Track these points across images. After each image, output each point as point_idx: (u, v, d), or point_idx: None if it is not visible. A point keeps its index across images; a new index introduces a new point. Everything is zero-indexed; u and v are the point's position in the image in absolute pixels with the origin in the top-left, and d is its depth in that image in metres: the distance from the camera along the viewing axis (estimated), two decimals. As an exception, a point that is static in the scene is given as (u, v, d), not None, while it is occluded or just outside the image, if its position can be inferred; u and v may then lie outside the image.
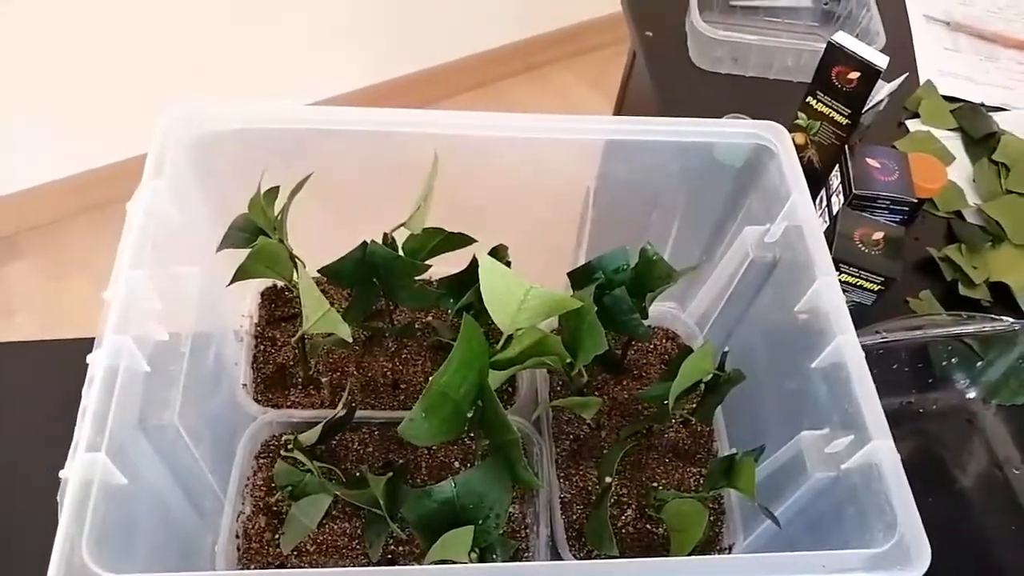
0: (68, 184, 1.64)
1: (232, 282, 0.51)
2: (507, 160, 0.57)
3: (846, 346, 0.49)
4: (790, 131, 0.64)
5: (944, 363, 0.68)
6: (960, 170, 0.88)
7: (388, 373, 0.61)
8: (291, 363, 0.61)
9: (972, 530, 0.65)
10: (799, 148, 0.79)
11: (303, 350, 0.58)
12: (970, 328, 0.64)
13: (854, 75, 0.74)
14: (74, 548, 0.37)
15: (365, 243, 0.53)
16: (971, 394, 0.70)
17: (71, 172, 1.63)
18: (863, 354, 0.48)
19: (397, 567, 0.52)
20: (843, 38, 0.74)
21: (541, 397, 0.60)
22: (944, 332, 0.64)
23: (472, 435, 0.58)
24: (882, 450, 0.45)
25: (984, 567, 0.64)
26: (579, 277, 0.56)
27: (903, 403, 0.68)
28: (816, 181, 0.80)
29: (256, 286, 0.64)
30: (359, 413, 0.57)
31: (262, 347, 0.62)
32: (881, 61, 0.72)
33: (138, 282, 0.46)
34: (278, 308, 0.64)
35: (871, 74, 0.72)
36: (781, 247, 0.56)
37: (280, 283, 0.63)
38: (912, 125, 0.91)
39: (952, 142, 0.90)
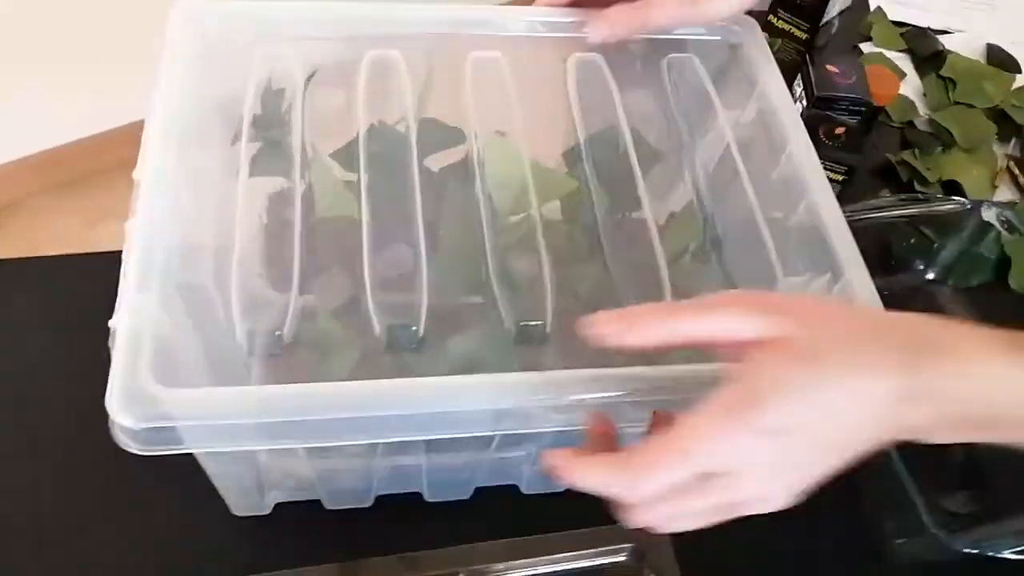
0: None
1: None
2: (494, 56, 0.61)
3: (820, 198, 0.54)
4: None
5: (904, 245, 0.74)
6: (910, 86, 0.94)
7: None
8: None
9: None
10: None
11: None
12: (924, 208, 0.70)
13: (810, -12, 0.79)
14: (134, 370, 0.40)
15: (372, 125, 0.57)
16: (930, 275, 0.76)
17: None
18: (836, 203, 0.53)
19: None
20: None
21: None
22: (900, 213, 0.69)
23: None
24: (856, 280, 0.50)
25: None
26: (573, 158, 0.60)
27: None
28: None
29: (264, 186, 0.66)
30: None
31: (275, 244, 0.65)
32: (837, -30, 0.77)
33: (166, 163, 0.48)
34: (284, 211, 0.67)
35: (827, -18, 0.78)
36: (755, 126, 0.61)
37: (287, 184, 0.66)
38: (865, 48, 0.97)
39: (902, 62, 0.96)
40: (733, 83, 0.63)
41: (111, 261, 0.45)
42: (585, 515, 0.48)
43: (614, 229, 0.55)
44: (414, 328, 0.46)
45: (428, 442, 0.49)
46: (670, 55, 0.62)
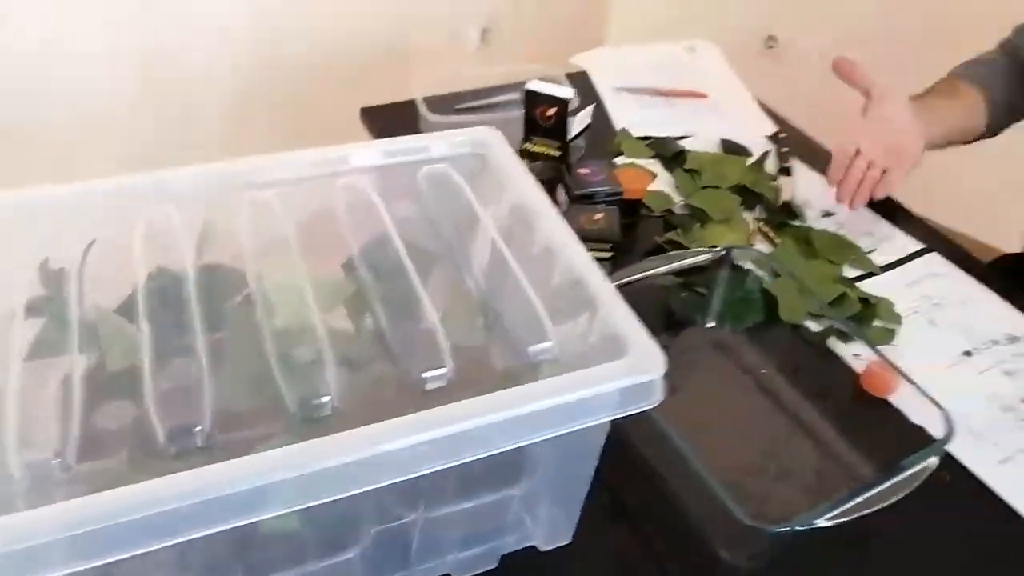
0: None
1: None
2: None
3: (572, 254, 0.61)
4: None
5: (678, 301, 0.82)
6: (663, 183, 1.07)
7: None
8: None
9: (736, 420, 0.77)
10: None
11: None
12: (684, 262, 0.79)
13: (551, 111, 0.91)
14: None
15: (151, 274, 0.60)
16: (709, 324, 0.84)
17: None
18: (587, 257, 0.60)
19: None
20: (535, 84, 0.92)
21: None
22: (666, 268, 0.78)
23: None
24: (611, 307, 0.56)
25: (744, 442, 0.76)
26: (350, 267, 0.65)
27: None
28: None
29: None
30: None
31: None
32: (567, 93, 0.90)
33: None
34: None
35: (563, 105, 0.90)
36: (511, 216, 0.69)
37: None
38: (619, 160, 1.11)
39: (654, 166, 1.10)
40: (487, 184, 0.72)
41: None
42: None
43: (396, 323, 0.60)
44: (199, 428, 0.48)
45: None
46: (427, 168, 0.70)
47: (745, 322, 0.85)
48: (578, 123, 0.95)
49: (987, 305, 0.94)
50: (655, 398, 0.53)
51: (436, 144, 0.72)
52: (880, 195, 0.98)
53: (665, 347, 0.53)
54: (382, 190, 0.68)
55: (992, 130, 1.09)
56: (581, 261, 0.61)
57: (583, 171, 0.90)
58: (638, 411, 0.53)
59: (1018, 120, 1.10)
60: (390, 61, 2.04)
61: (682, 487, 0.66)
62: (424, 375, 0.53)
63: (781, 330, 0.84)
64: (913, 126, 0.99)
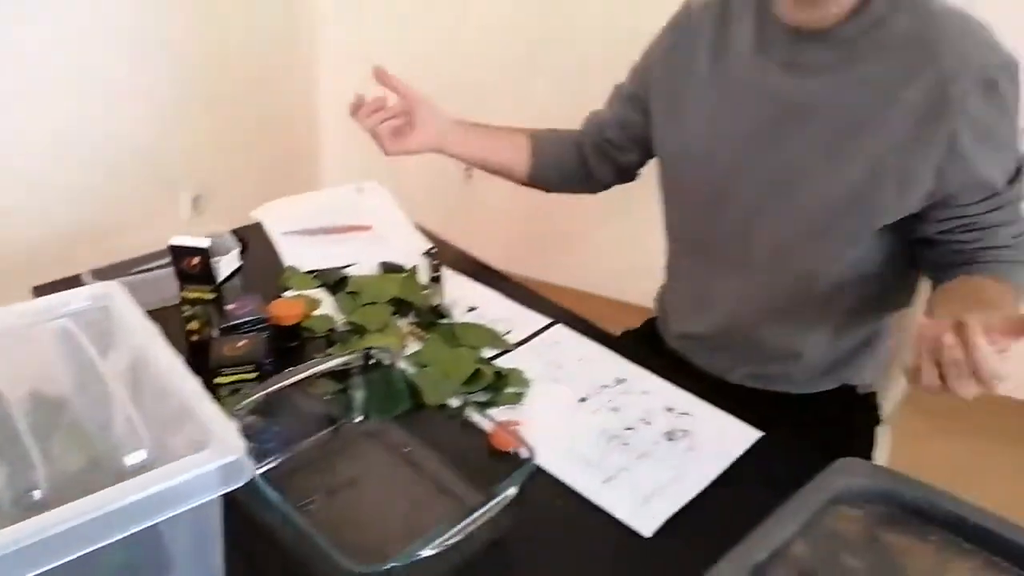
0: None
1: None
2: None
3: (181, 381, 0.70)
4: (185, 323, 0.91)
5: (325, 400, 0.94)
6: (328, 307, 1.20)
7: None
8: None
9: (382, 493, 0.88)
10: (198, 331, 1.05)
11: None
12: (321, 367, 0.91)
13: (195, 260, 1.02)
14: None
15: None
16: (357, 418, 0.96)
17: None
18: (197, 383, 0.70)
19: None
20: (177, 239, 1.02)
21: None
22: (302, 376, 0.89)
23: None
24: (203, 412, 0.66)
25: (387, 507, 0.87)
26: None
27: (318, 441, 0.92)
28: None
29: None
30: None
31: None
32: (206, 243, 1.01)
33: None
34: None
35: (204, 253, 1.01)
36: (134, 365, 0.77)
37: None
38: (288, 294, 1.23)
39: (321, 294, 1.23)
40: (109, 332, 0.80)
41: None
42: None
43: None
44: None
45: None
46: (49, 323, 0.78)
47: (394, 411, 0.98)
48: (226, 267, 1.06)
49: (601, 359, 1.13)
50: (245, 475, 0.63)
51: (63, 302, 0.80)
52: None
53: (323, 443, 0.64)
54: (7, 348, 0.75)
55: (544, 183, 1.36)
56: (189, 388, 0.70)
57: (231, 307, 1.00)
58: (234, 488, 0.62)
59: (576, 190, 1.38)
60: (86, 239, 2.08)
61: (309, 552, 0.74)
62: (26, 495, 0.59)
63: (428, 411, 0.97)
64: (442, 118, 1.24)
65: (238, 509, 0.74)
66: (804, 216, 1.07)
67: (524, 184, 1.36)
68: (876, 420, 1.35)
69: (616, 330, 1.27)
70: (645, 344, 1.36)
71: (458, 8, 2.45)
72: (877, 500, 0.77)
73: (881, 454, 1.35)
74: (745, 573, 0.69)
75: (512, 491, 0.78)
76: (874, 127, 0.98)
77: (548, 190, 1.37)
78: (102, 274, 1.17)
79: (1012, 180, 1.00)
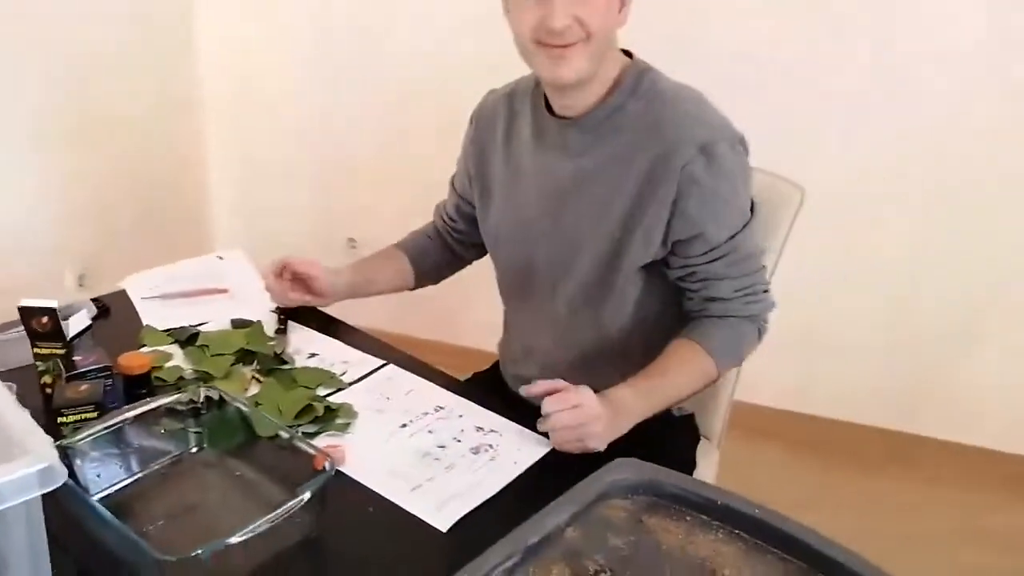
0: None
1: None
2: None
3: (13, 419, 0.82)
4: (40, 376, 1.03)
5: (163, 434, 1.05)
6: (179, 360, 1.32)
7: None
8: None
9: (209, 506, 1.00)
10: (52, 385, 1.15)
11: None
12: (151, 405, 1.03)
13: (44, 319, 1.13)
14: None
15: None
16: (193, 448, 1.08)
17: None
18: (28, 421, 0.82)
19: None
20: (26, 301, 1.14)
21: None
22: (135, 412, 1.01)
23: None
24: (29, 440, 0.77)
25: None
26: None
27: (159, 470, 1.04)
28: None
29: None
30: None
31: None
32: (52, 304, 1.13)
33: None
34: None
35: (51, 313, 1.13)
36: None
37: None
38: (145, 350, 1.34)
39: (173, 348, 1.35)
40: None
41: None
42: None
43: None
44: None
45: None
46: None
47: (230, 443, 1.10)
48: (75, 325, 1.18)
49: (426, 391, 1.28)
50: (58, 479, 0.74)
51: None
52: None
53: (163, 473, 0.75)
54: None
55: (429, 282, 1.58)
56: (18, 422, 0.82)
57: (77, 358, 1.12)
58: (51, 488, 0.74)
59: (456, 270, 1.59)
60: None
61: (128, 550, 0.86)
62: None
63: (262, 442, 1.09)
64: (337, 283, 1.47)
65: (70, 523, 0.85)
66: (586, 270, 1.28)
67: (413, 290, 1.57)
68: (695, 438, 1.53)
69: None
70: (489, 382, 1.53)
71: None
72: (643, 492, 0.91)
73: (707, 470, 1.52)
74: (518, 553, 0.83)
75: (307, 494, 0.91)
76: (621, 193, 1.21)
77: (435, 283, 1.60)
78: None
79: (735, 235, 1.21)
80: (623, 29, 1.21)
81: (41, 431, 0.78)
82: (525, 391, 1.15)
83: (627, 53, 1.26)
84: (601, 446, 1.10)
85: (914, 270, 2.30)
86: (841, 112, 2.21)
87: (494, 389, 1.48)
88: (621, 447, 1.17)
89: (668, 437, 1.43)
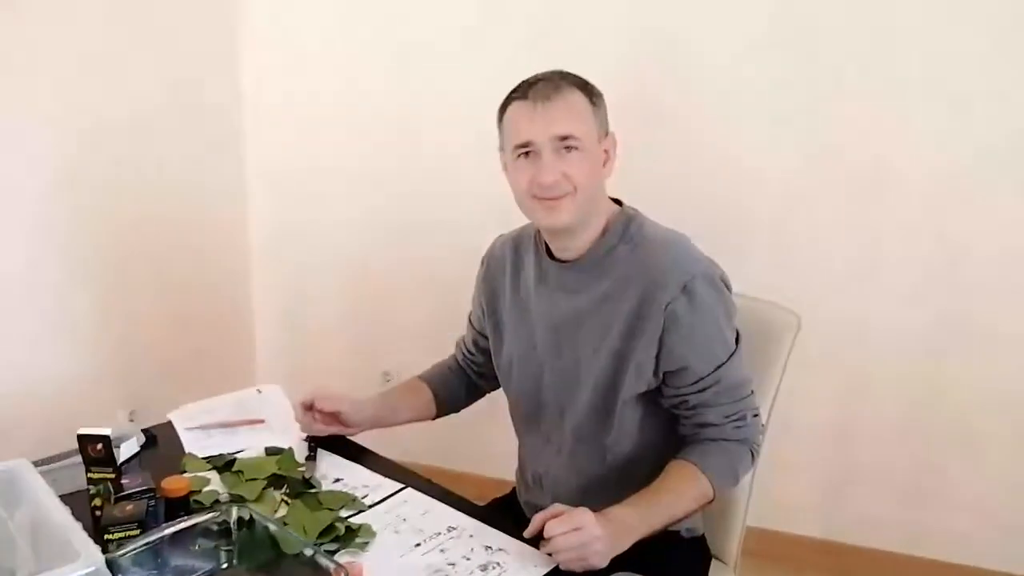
0: None
1: None
2: None
3: (68, 532, 0.94)
4: (91, 499, 1.14)
5: (197, 553, 1.15)
6: (216, 485, 1.43)
7: None
8: None
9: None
10: (101, 507, 1.27)
11: None
12: (186, 524, 1.14)
13: (99, 446, 1.26)
14: None
15: None
16: (225, 564, 1.18)
17: None
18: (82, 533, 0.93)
19: None
20: (84, 429, 1.27)
21: None
22: (172, 530, 1.12)
23: None
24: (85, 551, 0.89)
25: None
26: None
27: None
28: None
29: None
30: None
31: None
32: (106, 432, 1.26)
33: None
34: None
35: (105, 440, 1.26)
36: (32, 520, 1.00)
37: None
38: (187, 475, 1.46)
39: (211, 474, 1.47)
40: (16, 498, 1.04)
41: None
42: None
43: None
44: None
45: None
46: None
47: (259, 559, 1.19)
48: (126, 451, 1.31)
49: (439, 512, 1.37)
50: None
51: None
52: None
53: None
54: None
55: (450, 411, 1.70)
56: (76, 537, 0.94)
57: (126, 481, 1.24)
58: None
59: (475, 400, 1.73)
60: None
61: None
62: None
63: (288, 559, 1.18)
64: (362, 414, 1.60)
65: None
66: (588, 399, 1.40)
67: (434, 419, 1.70)
68: (705, 560, 1.58)
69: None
70: (506, 507, 1.62)
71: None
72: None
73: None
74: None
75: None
76: (614, 328, 1.35)
77: (456, 412, 1.73)
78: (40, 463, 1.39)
79: (720, 367, 1.32)
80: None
81: (91, 541, 0.89)
82: (526, 534, 1.24)
83: (617, 201, 1.42)
84: (603, 562, 1.17)
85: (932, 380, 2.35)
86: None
87: (509, 513, 1.57)
88: (625, 564, 1.24)
89: (676, 558, 1.48)
